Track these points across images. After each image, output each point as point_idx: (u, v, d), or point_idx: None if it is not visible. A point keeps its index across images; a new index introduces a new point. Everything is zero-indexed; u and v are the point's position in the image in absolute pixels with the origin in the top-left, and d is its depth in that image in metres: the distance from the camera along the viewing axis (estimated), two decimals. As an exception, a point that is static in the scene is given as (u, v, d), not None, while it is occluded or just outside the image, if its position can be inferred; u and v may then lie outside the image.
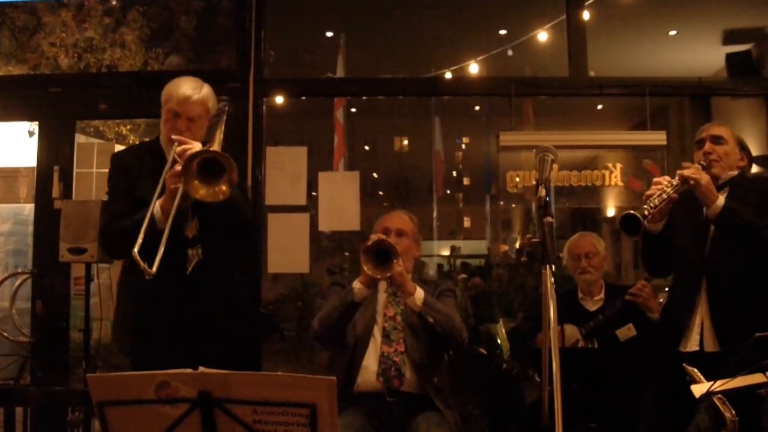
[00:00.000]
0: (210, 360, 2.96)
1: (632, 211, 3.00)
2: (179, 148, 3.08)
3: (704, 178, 3.16)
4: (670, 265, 3.59)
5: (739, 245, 3.19)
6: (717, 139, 3.37)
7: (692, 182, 3.15)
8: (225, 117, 3.47)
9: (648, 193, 3.20)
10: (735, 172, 3.40)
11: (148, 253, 2.96)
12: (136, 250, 2.87)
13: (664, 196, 3.13)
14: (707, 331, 3.22)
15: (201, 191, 2.95)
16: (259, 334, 3.61)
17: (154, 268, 2.87)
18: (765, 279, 3.27)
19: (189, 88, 3.25)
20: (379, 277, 3.26)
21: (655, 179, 3.26)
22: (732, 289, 3.20)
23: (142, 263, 2.86)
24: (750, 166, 3.50)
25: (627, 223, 3.00)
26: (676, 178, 3.18)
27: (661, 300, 3.90)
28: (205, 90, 3.31)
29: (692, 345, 3.26)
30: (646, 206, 3.10)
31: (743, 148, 3.46)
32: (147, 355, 3.20)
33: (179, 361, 3.06)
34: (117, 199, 3.31)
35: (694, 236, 3.34)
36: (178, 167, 2.99)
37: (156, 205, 3.03)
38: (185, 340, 3.16)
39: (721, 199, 3.14)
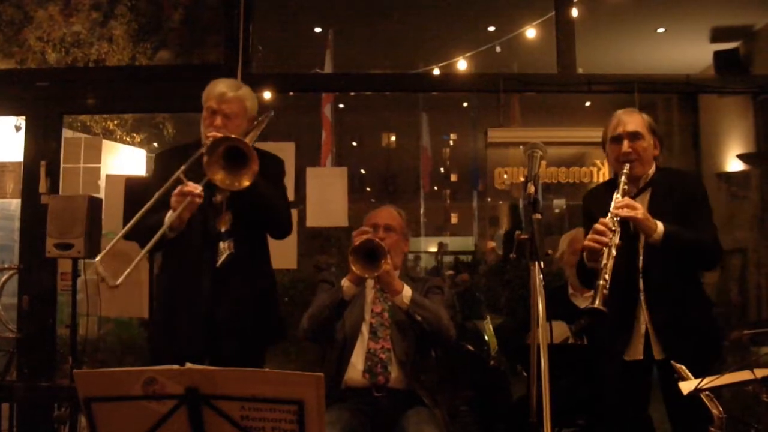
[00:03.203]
0: (232, 357, 2.92)
1: (595, 306, 2.84)
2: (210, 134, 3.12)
3: (640, 211, 3.02)
4: None
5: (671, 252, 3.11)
6: (634, 136, 3.24)
7: (630, 221, 3.04)
8: (264, 126, 3.49)
9: (589, 245, 3.02)
10: (653, 168, 3.30)
11: (174, 250, 3.24)
12: (98, 259, 2.93)
13: (614, 252, 2.95)
14: (653, 339, 3.14)
15: (219, 175, 2.98)
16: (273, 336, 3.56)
17: (119, 281, 2.87)
18: (700, 282, 3.30)
19: (225, 86, 3.32)
20: (367, 276, 3.27)
21: (596, 226, 3.02)
22: (670, 295, 3.13)
23: (104, 274, 2.88)
24: (662, 153, 3.38)
25: (593, 318, 2.89)
26: (614, 219, 3.01)
27: None
28: (243, 90, 3.38)
29: (636, 354, 3.18)
30: (601, 280, 2.87)
31: (655, 132, 3.34)
32: (171, 348, 3.25)
33: (202, 355, 3.07)
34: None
35: (626, 247, 3.15)
36: (185, 188, 3.00)
37: (166, 223, 3.02)
38: (212, 335, 3.19)
39: (660, 227, 3.02)
